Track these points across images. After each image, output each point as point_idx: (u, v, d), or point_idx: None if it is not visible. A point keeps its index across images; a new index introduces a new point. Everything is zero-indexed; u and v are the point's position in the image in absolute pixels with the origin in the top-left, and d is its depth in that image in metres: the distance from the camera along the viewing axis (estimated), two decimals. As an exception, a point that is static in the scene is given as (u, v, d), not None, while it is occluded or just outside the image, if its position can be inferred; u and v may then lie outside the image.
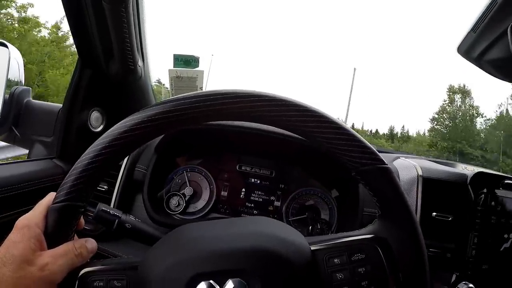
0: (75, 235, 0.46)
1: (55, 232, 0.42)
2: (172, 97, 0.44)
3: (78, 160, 0.42)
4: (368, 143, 0.45)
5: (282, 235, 0.45)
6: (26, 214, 0.43)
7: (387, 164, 0.45)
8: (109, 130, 0.43)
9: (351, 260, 0.44)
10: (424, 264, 0.44)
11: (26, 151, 1.06)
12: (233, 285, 0.39)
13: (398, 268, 0.44)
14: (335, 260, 0.44)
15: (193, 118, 0.43)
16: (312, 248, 0.45)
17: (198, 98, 0.43)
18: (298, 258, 0.42)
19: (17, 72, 1.01)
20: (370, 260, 0.44)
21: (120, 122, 0.43)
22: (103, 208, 0.69)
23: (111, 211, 0.70)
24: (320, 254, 0.44)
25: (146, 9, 0.94)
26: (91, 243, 0.46)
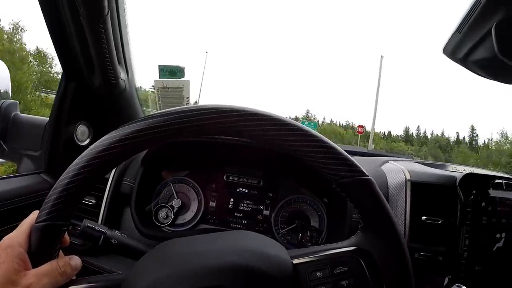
0: (61, 251, 0.46)
1: (39, 251, 0.42)
2: (148, 115, 0.44)
3: (59, 179, 0.42)
4: (348, 155, 0.44)
5: (263, 250, 0.44)
6: (10, 233, 0.43)
7: (367, 176, 0.44)
8: (87, 149, 0.43)
9: (334, 273, 0.43)
10: (409, 275, 0.43)
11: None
12: None
13: (381, 280, 0.43)
14: (317, 274, 0.43)
15: (167, 136, 0.43)
16: (294, 261, 0.44)
17: (170, 115, 0.43)
18: (279, 272, 0.42)
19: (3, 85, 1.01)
20: (353, 273, 0.43)
21: (98, 141, 0.43)
22: (88, 225, 0.69)
23: (96, 227, 0.70)
24: (302, 268, 0.44)
25: (130, 21, 0.93)
26: (75, 260, 0.45)
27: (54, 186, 0.42)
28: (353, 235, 0.48)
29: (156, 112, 0.44)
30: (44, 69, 17.84)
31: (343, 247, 0.46)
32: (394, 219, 0.44)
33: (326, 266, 0.44)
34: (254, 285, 0.40)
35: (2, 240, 0.42)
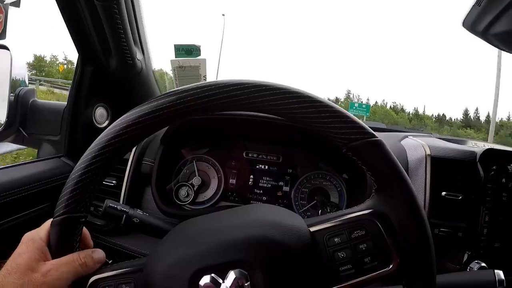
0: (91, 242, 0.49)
1: (58, 244, 0.43)
2: (161, 94, 0.44)
3: (72, 172, 0.43)
4: (356, 118, 0.44)
5: (279, 221, 0.45)
6: (32, 230, 0.45)
7: (377, 137, 0.44)
8: (97, 138, 0.43)
9: (352, 238, 0.43)
10: (426, 233, 0.43)
11: (19, 146, 1.07)
12: (234, 276, 0.39)
13: (400, 241, 0.43)
14: (335, 240, 0.43)
15: (178, 115, 0.43)
16: (311, 229, 0.45)
17: (182, 93, 0.43)
18: (297, 241, 0.42)
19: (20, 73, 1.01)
20: (371, 236, 0.43)
21: (106, 129, 0.43)
22: (110, 205, 0.71)
23: (118, 207, 0.71)
24: (320, 235, 0.44)
25: (148, 2, 0.92)
26: (97, 254, 0.47)
27: (68, 179, 0.42)
28: (368, 198, 0.47)
29: (170, 91, 0.44)
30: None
31: (359, 211, 0.46)
32: (407, 178, 0.44)
33: (343, 231, 0.44)
34: (274, 256, 0.41)
35: (24, 236, 0.44)
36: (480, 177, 0.80)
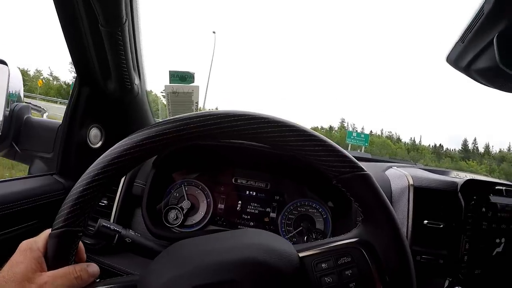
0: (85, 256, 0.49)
1: (55, 255, 0.44)
2: (157, 122, 0.46)
3: (74, 187, 0.44)
4: (347, 152, 0.47)
5: (271, 245, 0.47)
6: (30, 238, 0.46)
7: (365, 171, 0.47)
8: (101, 156, 0.45)
9: (338, 264, 0.46)
10: (408, 263, 0.46)
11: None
12: None
13: (383, 268, 0.46)
14: (322, 265, 0.46)
15: (173, 142, 0.46)
16: (300, 255, 0.47)
17: (176, 122, 0.45)
18: (287, 265, 0.44)
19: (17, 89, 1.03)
20: (356, 263, 0.46)
21: (111, 148, 0.45)
22: (104, 224, 0.72)
23: (111, 226, 0.72)
24: (308, 260, 0.47)
25: (143, 28, 0.96)
26: (92, 268, 0.47)
27: (69, 194, 0.44)
28: (355, 228, 0.50)
29: (164, 119, 0.47)
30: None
31: (345, 239, 0.49)
32: (392, 210, 0.47)
33: (330, 258, 0.46)
34: (264, 278, 0.43)
35: (21, 243, 0.45)
36: (461, 207, 0.83)
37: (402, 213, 0.84)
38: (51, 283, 0.42)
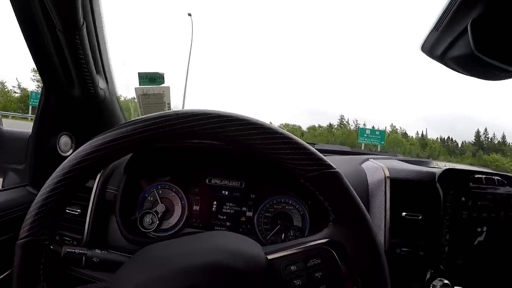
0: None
1: (22, 266, 0.43)
2: (126, 122, 0.46)
3: (37, 196, 0.43)
4: (314, 150, 0.46)
5: (237, 248, 0.46)
6: None
7: (334, 168, 0.45)
8: (63, 162, 0.44)
9: (307, 266, 0.45)
10: (381, 264, 0.44)
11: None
12: None
13: (354, 270, 0.44)
14: (292, 267, 0.45)
15: (134, 144, 0.45)
16: (269, 257, 0.46)
17: (138, 123, 0.45)
18: (253, 269, 0.43)
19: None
20: (326, 264, 0.44)
21: (72, 154, 0.45)
22: (68, 250, 0.71)
23: (76, 250, 0.72)
24: (277, 263, 0.45)
25: (109, 30, 0.94)
26: None
27: (33, 203, 0.43)
28: (326, 228, 0.49)
29: (135, 118, 0.46)
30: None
31: (316, 240, 0.47)
32: (364, 209, 0.45)
33: (299, 260, 0.45)
34: (228, 282, 0.42)
35: None
36: (439, 197, 0.81)
37: (380, 206, 0.83)
38: None
